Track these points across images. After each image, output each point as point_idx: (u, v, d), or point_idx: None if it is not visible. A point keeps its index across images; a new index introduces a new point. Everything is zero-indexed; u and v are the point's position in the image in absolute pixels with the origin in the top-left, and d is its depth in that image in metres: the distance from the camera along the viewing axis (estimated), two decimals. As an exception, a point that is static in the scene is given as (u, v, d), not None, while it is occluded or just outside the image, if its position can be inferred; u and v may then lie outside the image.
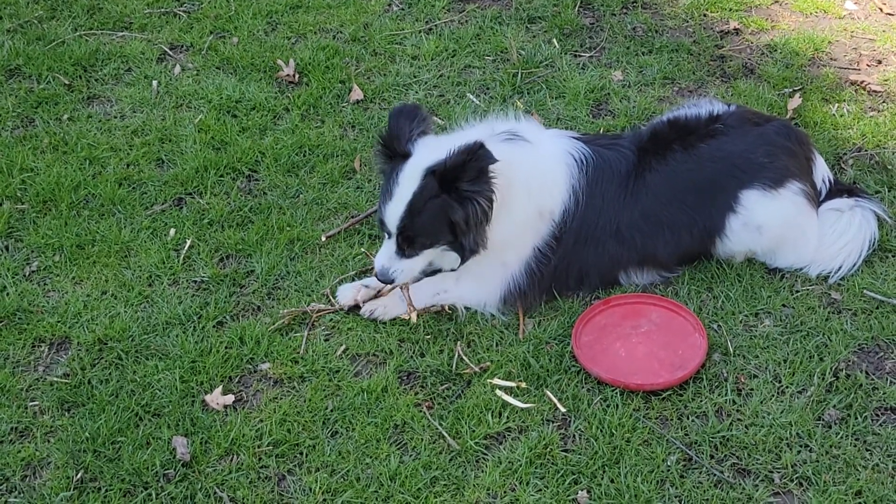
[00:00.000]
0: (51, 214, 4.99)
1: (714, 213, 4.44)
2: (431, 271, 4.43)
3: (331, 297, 4.48)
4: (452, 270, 4.37)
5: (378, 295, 4.47)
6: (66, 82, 5.92)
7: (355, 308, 4.43)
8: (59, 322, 4.41)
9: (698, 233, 4.46)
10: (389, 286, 4.36)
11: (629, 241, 4.42)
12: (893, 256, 4.63)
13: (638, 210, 4.39)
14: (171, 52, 6.22)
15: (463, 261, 4.25)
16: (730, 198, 4.42)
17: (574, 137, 4.53)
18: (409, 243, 4.15)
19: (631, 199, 4.38)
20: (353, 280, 4.56)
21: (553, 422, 3.97)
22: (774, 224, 4.45)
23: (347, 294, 4.45)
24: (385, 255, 4.19)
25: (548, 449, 3.84)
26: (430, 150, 4.10)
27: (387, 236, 4.20)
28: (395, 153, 4.16)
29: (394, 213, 4.09)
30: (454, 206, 4.06)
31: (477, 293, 4.41)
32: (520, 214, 4.25)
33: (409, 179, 4.06)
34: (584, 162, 4.36)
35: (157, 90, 5.87)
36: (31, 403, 4.08)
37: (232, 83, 5.87)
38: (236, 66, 6.04)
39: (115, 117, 5.69)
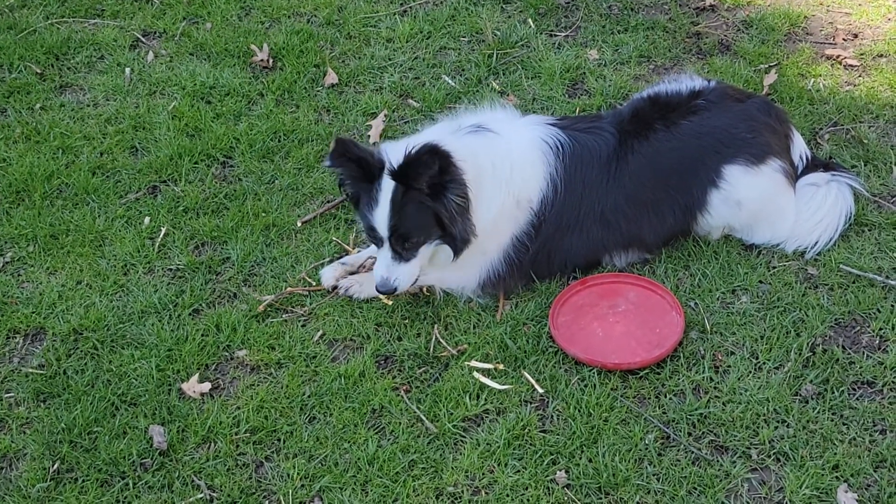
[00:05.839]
0: (24, 205, 4.96)
1: (696, 189, 4.43)
2: None
3: (308, 280, 4.47)
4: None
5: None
6: (38, 71, 5.88)
7: (337, 288, 4.45)
8: (33, 313, 4.38)
9: (681, 211, 4.46)
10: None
11: (614, 225, 4.40)
12: (869, 230, 4.63)
13: (622, 194, 4.37)
14: (143, 39, 6.17)
15: (456, 254, 4.22)
16: (712, 172, 4.41)
17: (550, 123, 4.48)
18: (402, 242, 4.11)
19: (614, 183, 4.36)
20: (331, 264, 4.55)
21: (531, 403, 3.97)
22: (753, 200, 4.45)
23: (329, 275, 4.46)
24: (383, 264, 4.16)
25: (526, 430, 3.84)
26: (396, 153, 4.05)
27: (379, 246, 4.16)
28: (374, 172, 4.06)
29: (381, 217, 4.05)
30: (429, 200, 4.05)
31: (456, 277, 4.40)
32: (495, 204, 4.22)
33: (387, 184, 4.04)
34: (560, 148, 4.33)
35: (130, 77, 5.83)
36: (6, 395, 4.06)
37: (206, 69, 5.83)
38: (210, 52, 6.00)
39: (88, 106, 5.65)
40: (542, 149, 4.33)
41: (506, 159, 4.27)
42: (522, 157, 4.31)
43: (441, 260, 4.29)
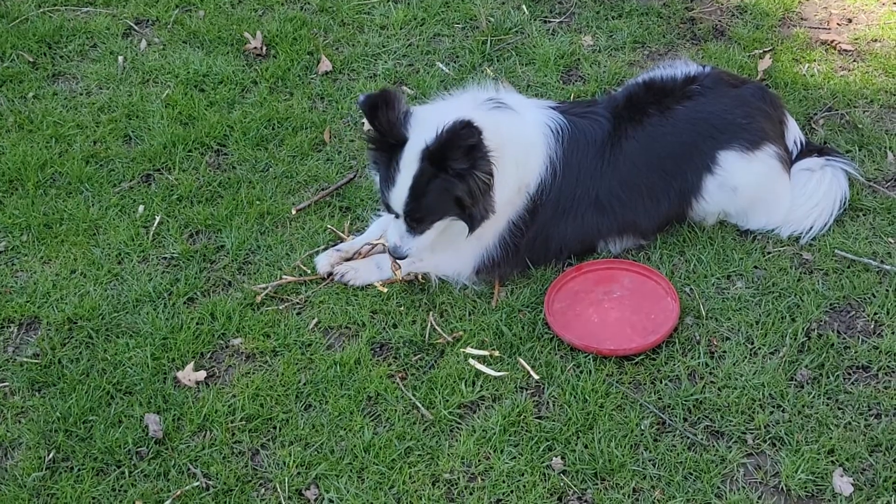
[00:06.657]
0: (17, 194, 4.94)
1: (691, 175, 4.43)
2: None
3: (303, 268, 4.46)
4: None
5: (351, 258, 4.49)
6: (31, 60, 5.85)
7: (332, 276, 4.44)
8: (28, 302, 4.37)
9: (675, 196, 4.45)
10: (394, 259, 4.30)
11: (609, 210, 4.39)
12: (864, 215, 4.63)
13: (616, 178, 4.36)
14: (136, 27, 6.15)
15: (472, 229, 4.19)
16: (707, 158, 4.41)
17: (550, 107, 4.47)
18: (417, 223, 4.11)
19: (608, 168, 4.35)
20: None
21: (526, 389, 3.97)
22: (749, 186, 4.45)
23: (324, 262, 4.45)
24: (396, 234, 4.16)
25: (522, 416, 3.84)
26: (423, 129, 4.00)
27: (395, 216, 4.15)
28: (394, 143, 4.03)
29: (398, 197, 4.02)
30: (455, 183, 4.01)
31: (451, 263, 4.39)
32: (505, 187, 4.18)
33: (409, 163, 3.98)
34: (560, 132, 4.31)
35: (123, 66, 5.80)
36: (0, 385, 4.05)
37: (199, 57, 5.81)
38: (203, 40, 5.97)
39: (81, 94, 5.62)
40: (545, 132, 4.31)
41: (521, 141, 4.24)
42: (531, 139, 4.29)
43: (445, 238, 4.26)
